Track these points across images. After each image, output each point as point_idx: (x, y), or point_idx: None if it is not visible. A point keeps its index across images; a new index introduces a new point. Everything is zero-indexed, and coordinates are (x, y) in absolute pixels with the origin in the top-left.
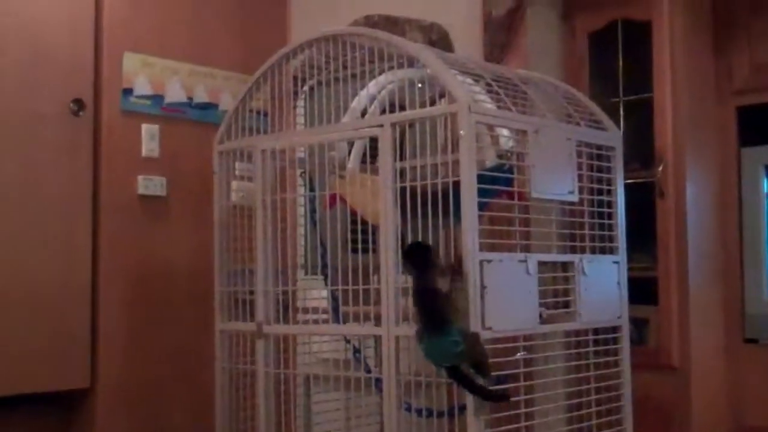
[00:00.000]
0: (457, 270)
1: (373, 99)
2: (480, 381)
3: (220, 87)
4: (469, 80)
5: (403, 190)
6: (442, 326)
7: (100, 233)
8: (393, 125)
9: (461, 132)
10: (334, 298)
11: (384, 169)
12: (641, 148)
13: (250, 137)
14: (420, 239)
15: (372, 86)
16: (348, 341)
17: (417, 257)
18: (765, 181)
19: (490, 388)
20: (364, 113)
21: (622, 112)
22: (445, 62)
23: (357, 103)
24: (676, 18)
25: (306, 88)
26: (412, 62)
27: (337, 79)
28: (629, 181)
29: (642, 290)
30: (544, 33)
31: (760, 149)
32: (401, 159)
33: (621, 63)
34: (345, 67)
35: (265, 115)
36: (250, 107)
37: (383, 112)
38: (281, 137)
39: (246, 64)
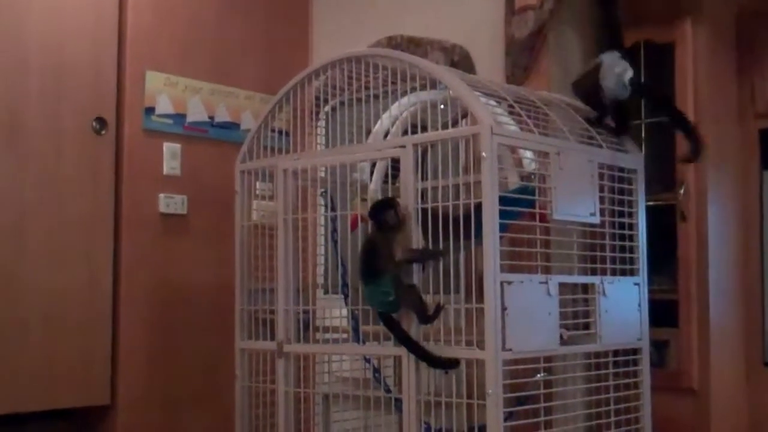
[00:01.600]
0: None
1: (395, 120)
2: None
3: (241, 106)
4: (492, 102)
5: (425, 211)
6: (377, 275)
7: (121, 251)
8: (415, 146)
9: (483, 154)
10: (353, 318)
11: (406, 190)
12: (663, 170)
13: (272, 157)
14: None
15: (395, 108)
16: (368, 361)
17: (377, 214)
18: None
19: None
20: (386, 135)
21: (644, 134)
22: (468, 84)
23: (380, 124)
24: (699, 40)
25: (328, 108)
26: (434, 83)
27: (359, 100)
28: (651, 203)
29: (663, 312)
30: (566, 55)
31: None
32: (423, 179)
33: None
34: (367, 88)
35: (287, 134)
36: (272, 127)
37: (405, 132)
38: (303, 157)
39: (268, 84)
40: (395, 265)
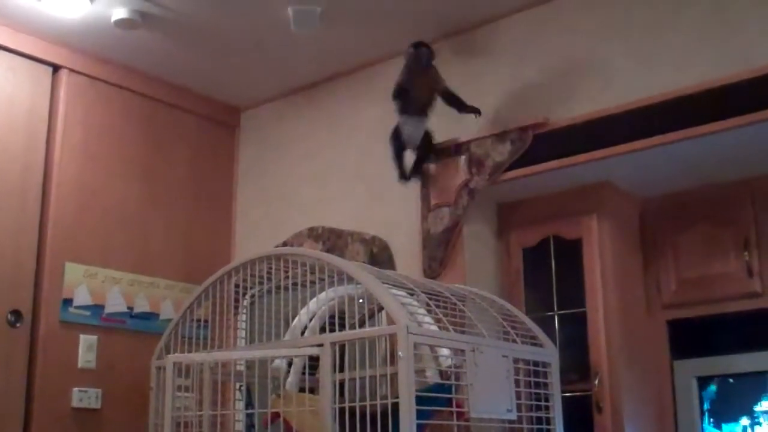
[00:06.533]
0: None
1: (313, 315)
2: None
3: (161, 296)
4: (409, 300)
5: (342, 408)
6: None
7: None
8: (333, 344)
9: (400, 353)
10: None
11: (324, 389)
12: (578, 359)
13: (188, 354)
14: None
15: (312, 303)
16: None
17: None
18: (698, 392)
19: None
20: (304, 330)
21: (557, 325)
22: (383, 282)
23: (298, 320)
24: (605, 236)
25: (247, 301)
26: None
27: (278, 288)
28: (567, 394)
29: None
30: (480, 248)
31: (692, 362)
32: (341, 370)
33: (554, 278)
34: (287, 277)
35: (206, 324)
36: (190, 318)
37: (323, 326)
38: (220, 353)
39: (189, 273)
40: None
